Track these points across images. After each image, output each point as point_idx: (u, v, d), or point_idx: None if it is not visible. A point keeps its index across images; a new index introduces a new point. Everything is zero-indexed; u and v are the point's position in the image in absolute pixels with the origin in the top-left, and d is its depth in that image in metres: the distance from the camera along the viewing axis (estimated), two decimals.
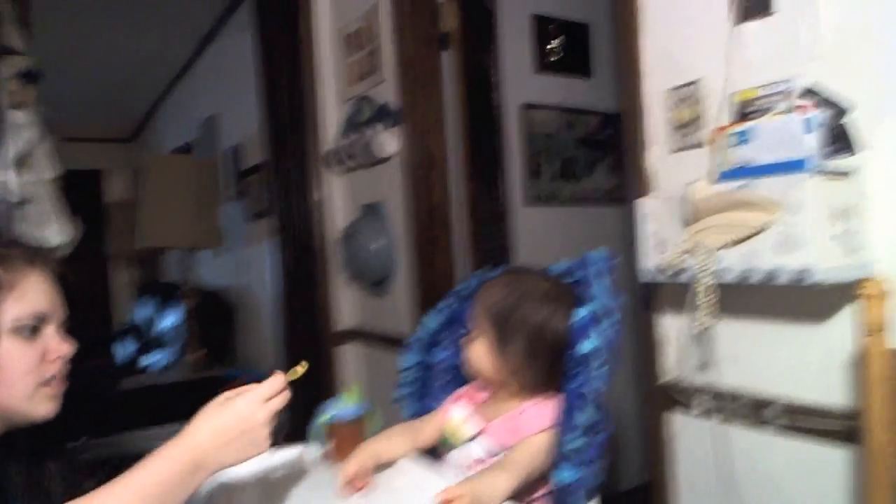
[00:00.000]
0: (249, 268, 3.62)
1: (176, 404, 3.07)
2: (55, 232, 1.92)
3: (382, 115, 2.32)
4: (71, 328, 0.93)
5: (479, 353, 1.10)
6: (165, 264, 5.50)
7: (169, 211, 3.48)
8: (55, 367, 0.90)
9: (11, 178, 1.78)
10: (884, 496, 0.92)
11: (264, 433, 0.85)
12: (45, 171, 1.96)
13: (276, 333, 2.88)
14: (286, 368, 0.91)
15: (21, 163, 1.83)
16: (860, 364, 0.94)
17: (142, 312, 4.78)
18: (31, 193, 1.86)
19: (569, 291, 1.11)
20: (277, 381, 0.88)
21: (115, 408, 3.23)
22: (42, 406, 0.88)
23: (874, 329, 0.93)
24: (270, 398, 0.87)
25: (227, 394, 0.87)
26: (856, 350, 0.95)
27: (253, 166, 3.38)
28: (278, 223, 2.74)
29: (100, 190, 6.32)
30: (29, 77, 2.06)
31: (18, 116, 1.81)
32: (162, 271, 5.69)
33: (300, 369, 0.94)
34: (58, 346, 0.90)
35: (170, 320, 4.10)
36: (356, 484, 1.03)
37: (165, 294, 4.43)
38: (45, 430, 0.92)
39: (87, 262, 5.46)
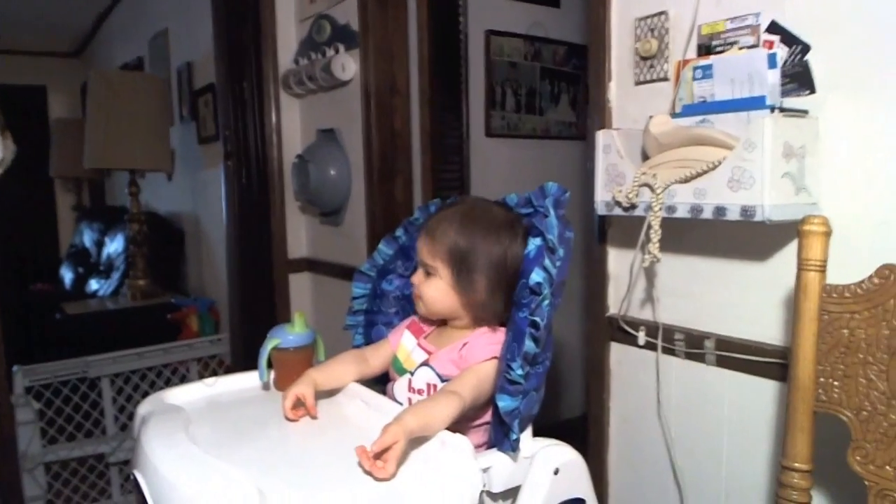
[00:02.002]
0: (201, 193, 3.51)
1: (122, 330, 3.03)
2: None
3: (343, 35, 2.22)
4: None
5: (439, 290, 1.08)
6: (113, 187, 5.31)
7: (116, 131, 3.31)
8: None
9: None
10: (805, 425, 0.95)
11: None
12: None
13: (227, 261, 2.82)
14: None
15: None
16: (795, 298, 0.95)
17: (88, 236, 4.63)
18: None
19: (521, 221, 1.10)
20: None
21: (60, 333, 3.16)
22: None
23: (812, 264, 0.93)
24: None
25: None
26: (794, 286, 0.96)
27: (206, 86, 3.24)
28: (231, 146, 2.64)
29: (45, 107, 6.03)
30: None
31: None
32: (110, 194, 5.50)
33: None
34: None
35: (117, 245, 3.98)
36: (298, 411, 1.02)
37: (113, 218, 4.28)
38: None
39: (31, 182, 5.24)
